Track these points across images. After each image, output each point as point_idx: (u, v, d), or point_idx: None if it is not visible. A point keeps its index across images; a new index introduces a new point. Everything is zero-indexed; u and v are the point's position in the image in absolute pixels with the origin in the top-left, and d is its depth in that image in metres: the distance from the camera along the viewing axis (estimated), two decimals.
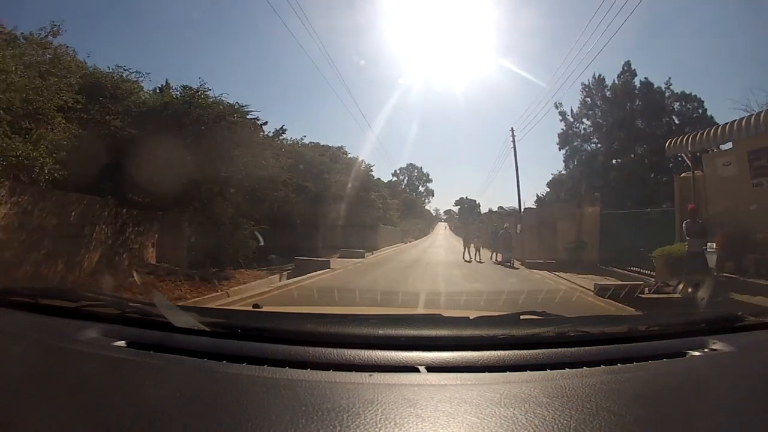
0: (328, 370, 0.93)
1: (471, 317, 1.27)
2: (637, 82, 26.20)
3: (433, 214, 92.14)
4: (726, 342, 1.14)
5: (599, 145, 27.25)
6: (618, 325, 1.31)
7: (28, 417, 0.75)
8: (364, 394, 0.81)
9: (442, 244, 34.25)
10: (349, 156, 24.04)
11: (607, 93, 26.90)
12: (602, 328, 1.25)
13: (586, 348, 1.09)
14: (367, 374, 0.91)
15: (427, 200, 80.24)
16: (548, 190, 32.05)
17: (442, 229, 79.12)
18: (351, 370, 0.93)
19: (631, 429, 0.76)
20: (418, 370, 0.95)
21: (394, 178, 64.74)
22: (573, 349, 1.08)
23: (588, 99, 27.85)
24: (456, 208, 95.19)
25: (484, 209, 73.89)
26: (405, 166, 75.38)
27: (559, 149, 29.50)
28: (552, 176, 32.44)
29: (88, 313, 1.20)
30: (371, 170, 26.27)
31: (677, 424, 0.80)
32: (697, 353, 1.09)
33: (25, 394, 0.82)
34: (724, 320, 1.33)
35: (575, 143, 28.66)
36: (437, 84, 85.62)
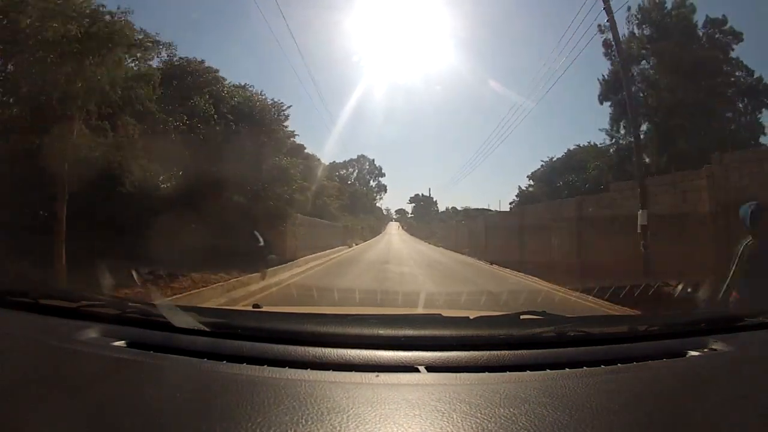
0: (328, 370, 0.93)
1: (471, 317, 1.27)
2: (697, 21, 17.19)
3: (385, 213, 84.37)
4: (726, 342, 1.14)
5: (663, 98, 17.12)
6: (618, 325, 1.31)
7: (28, 418, 0.75)
8: (364, 394, 0.81)
9: (405, 251, 23.93)
10: (259, 96, 12.54)
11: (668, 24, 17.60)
12: (602, 328, 1.25)
13: (586, 348, 1.09)
14: (368, 374, 0.91)
15: (379, 196, 69.32)
16: (531, 183, 28.05)
17: (394, 229, 72.97)
18: (351, 370, 0.93)
19: (631, 429, 0.76)
20: (418, 370, 0.95)
21: (344, 171, 54.98)
22: (573, 349, 1.08)
23: (640, 30, 18.13)
24: (410, 206, 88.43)
25: (441, 208, 70.60)
26: (356, 157, 63.62)
27: (601, 102, 19.55)
28: (542, 164, 27.17)
29: (88, 313, 1.20)
30: (287, 114, 13.73)
31: (677, 424, 0.80)
32: (697, 353, 1.09)
33: (25, 394, 0.82)
34: (724, 320, 1.34)
35: (623, 94, 16.19)
36: (393, 79, 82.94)
